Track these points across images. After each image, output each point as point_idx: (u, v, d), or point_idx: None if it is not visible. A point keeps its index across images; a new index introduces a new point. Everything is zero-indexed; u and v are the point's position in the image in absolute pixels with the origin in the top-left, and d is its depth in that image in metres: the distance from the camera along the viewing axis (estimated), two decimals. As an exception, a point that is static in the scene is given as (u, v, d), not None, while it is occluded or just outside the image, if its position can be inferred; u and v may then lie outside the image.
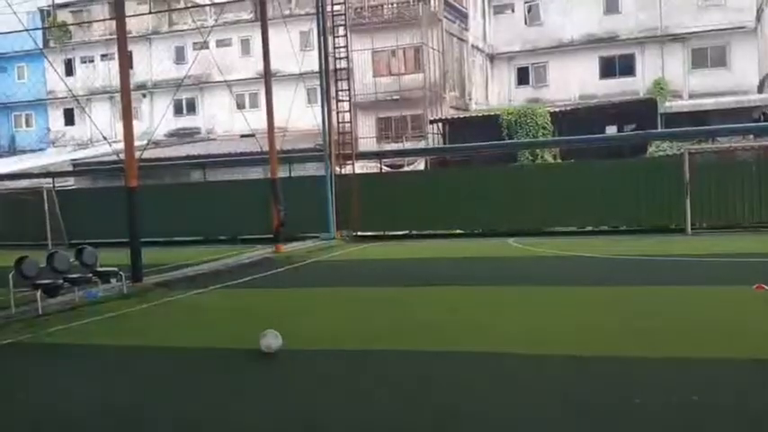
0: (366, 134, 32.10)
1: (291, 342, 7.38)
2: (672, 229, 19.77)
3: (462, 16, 34.81)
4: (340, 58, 22.94)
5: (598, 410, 5.14)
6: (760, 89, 31.55)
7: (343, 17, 23.11)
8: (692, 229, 19.15)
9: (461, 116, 32.34)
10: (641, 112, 29.45)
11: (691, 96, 33.03)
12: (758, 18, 31.82)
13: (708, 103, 30.19)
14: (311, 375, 6.50)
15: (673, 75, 33.87)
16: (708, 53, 33.71)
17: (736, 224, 19.32)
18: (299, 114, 26.12)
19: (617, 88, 34.34)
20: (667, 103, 30.42)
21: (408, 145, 30.97)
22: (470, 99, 35.60)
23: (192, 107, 39.52)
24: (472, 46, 35.65)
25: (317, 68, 22.64)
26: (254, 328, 7.67)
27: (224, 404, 5.71)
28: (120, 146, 13.82)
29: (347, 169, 22.89)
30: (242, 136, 33.15)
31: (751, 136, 24.47)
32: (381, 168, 25.75)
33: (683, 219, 19.30)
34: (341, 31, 23.15)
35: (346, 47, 23.21)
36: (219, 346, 7.75)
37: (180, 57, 38.63)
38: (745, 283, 10.00)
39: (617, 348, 6.82)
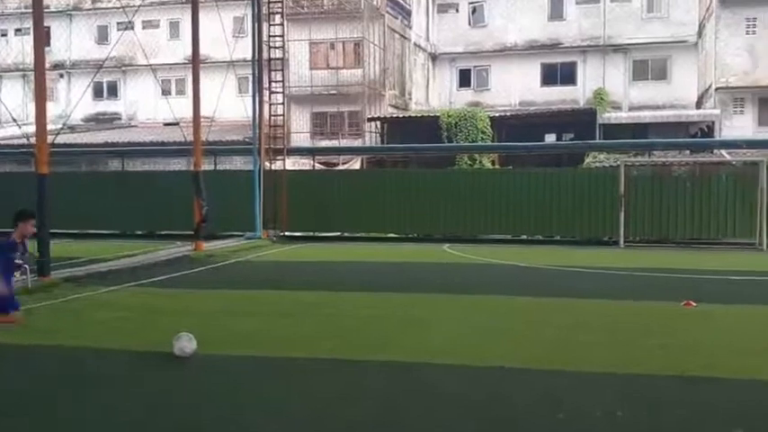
0: (299, 129, 31.93)
1: (207, 346, 7.25)
2: (605, 242, 20.43)
3: (405, 12, 35.06)
4: (275, 48, 22.72)
5: (522, 424, 5.24)
6: (698, 104, 32.98)
7: (279, 5, 22.91)
8: (625, 242, 19.82)
9: (400, 115, 32.56)
10: (581, 121, 30.35)
11: (630, 108, 34.25)
12: (699, 33, 33.25)
13: (646, 115, 31.38)
14: (225, 382, 6.39)
15: (613, 85, 35.05)
16: (649, 65, 35.04)
17: (669, 239, 20.12)
18: (228, 104, 25.83)
19: (557, 96, 35.29)
20: (606, 114, 31.44)
21: (344, 142, 30.98)
22: (410, 98, 35.89)
23: (113, 91, 38.42)
24: (414, 44, 35.95)
25: (249, 57, 22.38)
26: (168, 331, 7.50)
27: (130, 410, 5.55)
28: (32, 129, 13.31)
29: (277, 165, 22.68)
30: (165, 124, 32.40)
31: (687, 151, 25.58)
32: (314, 166, 25.66)
33: (617, 231, 19.96)
34: (277, 18, 22.95)
35: (282, 36, 23.02)
36: (130, 349, 7.54)
37: (102, 36, 37.50)
38: (674, 299, 10.40)
39: (543, 361, 6.97)
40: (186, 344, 7.08)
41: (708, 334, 8.26)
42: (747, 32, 28.22)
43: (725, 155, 24.26)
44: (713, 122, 29.18)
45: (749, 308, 10.08)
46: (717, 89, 28.81)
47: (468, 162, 28.55)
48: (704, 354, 7.26)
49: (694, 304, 9.98)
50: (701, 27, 32.71)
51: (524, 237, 21.78)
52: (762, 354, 7.23)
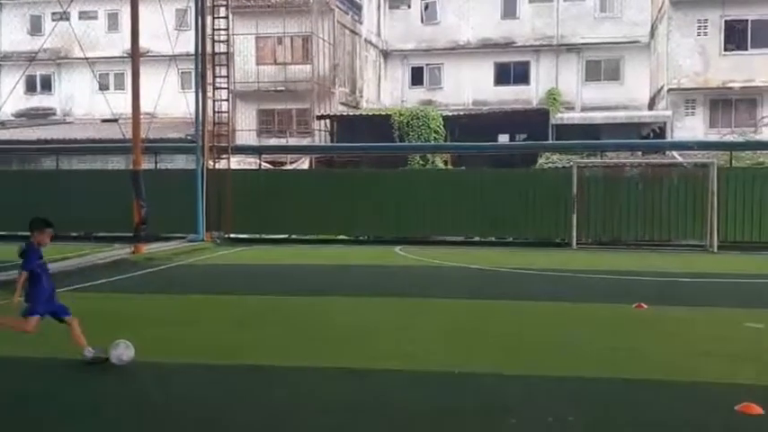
0: (245, 126, 31.64)
1: (145, 353, 7.11)
2: (558, 243, 20.78)
3: (356, 8, 35.06)
4: (220, 42, 22.46)
5: (474, 431, 5.27)
6: (651, 106, 33.81)
7: (225, -3, 22.66)
8: (577, 243, 20.19)
9: (351, 114, 32.53)
10: (534, 121, 30.80)
11: (583, 109, 34.92)
12: (652, 34, 34.11)
13: (599, 116, 32.02)
14: (161, 391, 6.28)
15: (566, 86, 35.69)
16: (602, 66, 35.81)
17: (621, 240, 20.59)
18: (170, 100, 25.45)
19: (510, 96, 35.75)
20: (559, 115, 31.98)
21: (292, 141, 30.82)
22: (361, 96, 35.90)
23: (47, 85, 37.44)
24: (365, 40, 35.98)
25: (192, 51, 22.07)
26: (106, 337, 7.32)
27: (59, 421, 5.40)
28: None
29: (222, 164, 22.42)
30: (103, 121, 31.69)
31: (639, 153, 26.20)
32: (261, 165, 25.43)
33: (570, 233, 20.31)
34: (222, 11, 22.71)
35: (227, 29, 22.76)
36: (64, 357, 7.34)
37: (36, 27, 36.52)
38: (625, 301, 10.63)
39: (494, 365, 7.04)
40: (123, 351, 6.94)
41: (659, 337, 8.45)
42: (699, 34, 29.05)
43: (676, 156, 24.92)
44: (665, 124, 29.94)
45: (700, 310, 10.36)
46: (669, 90, 29.56)
47: (421, 162, 28.70)
48: (655, 357, 7.43)
49: (645, 306, 10.22)
50: (654, 28, 33.56)
51: (477, 238, 22.00)
52: (712, 356, 7.42)
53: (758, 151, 25.34)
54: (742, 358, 7.30)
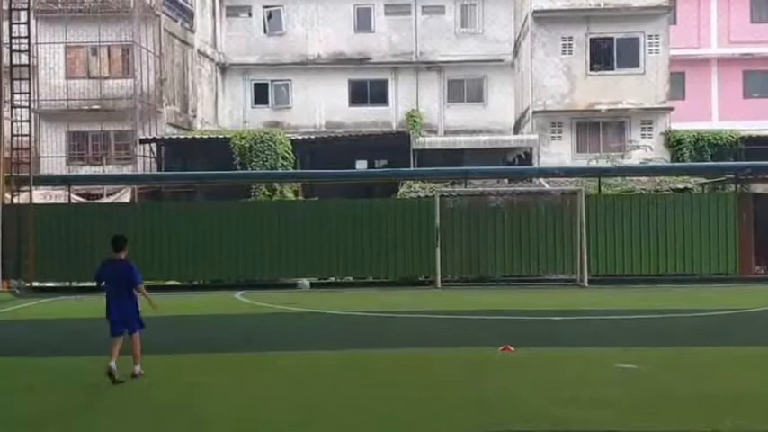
0: (52, 152, 30.38)
1: None
2: (421, 282, 21.29)
3: (187, 14, 34.72)
4: (20, 51, 21.91)
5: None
6: (516, 129, 35.57)
7: (25, -1, 21.93)
8: (442, 281, 20.75)
9: (182, 137, 32.01)
10: (394, 146, 31.54)
11: (446, 132, 36.19)
12: (515, 52, 36.03)
13: (463, 140, 33.25)
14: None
15: (428, 107, 36.92)
16: (464, 86, 37.35)
17: (489, 277, 21.40)
18: (-45, 121, 23.91)
19: (368, 117, 36.51)
20: (421, 139, 32.91)
21: (110, 169, 29.88)
22: (195, 116, 35.40)
23: None
24: (198, 51, 35.62)
25: (-15, 62, 21.19)
26: None
27: None
28: None
29: (22, 198, 21.69)
30: None
31: (506, 180, 27.41)
32: (71, 198, 24.47)
33: (434, 270, 20.85)
34: (23, 15, 22.11)
35: (29, 37, 22.06)
36: None
37: None
38: (491, 344, 11.00)
39: (343, 426, 7.07)
40: None
41: (525, 382, 8.78)
42: (564, 52, 30.96)
43: (544, 184, 26.28)
44: (531, 149, 31.52)
45: (570, 351, 10.89)
46: (534, 113, 31.19)
47: (267, 193, 28.61)
48: (520, 405, 7.70)
49: (512, 349, 10.60)
50: (517, 45, 35.48)
51: (333, 279, 22.16)
52: (577, 402, 7.78)
53: (627, 177, 27.24)
54: (606, 403, 7.69)
